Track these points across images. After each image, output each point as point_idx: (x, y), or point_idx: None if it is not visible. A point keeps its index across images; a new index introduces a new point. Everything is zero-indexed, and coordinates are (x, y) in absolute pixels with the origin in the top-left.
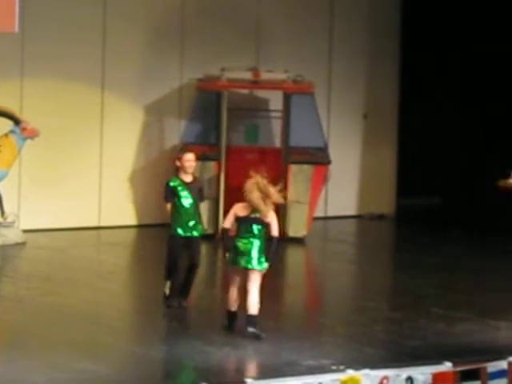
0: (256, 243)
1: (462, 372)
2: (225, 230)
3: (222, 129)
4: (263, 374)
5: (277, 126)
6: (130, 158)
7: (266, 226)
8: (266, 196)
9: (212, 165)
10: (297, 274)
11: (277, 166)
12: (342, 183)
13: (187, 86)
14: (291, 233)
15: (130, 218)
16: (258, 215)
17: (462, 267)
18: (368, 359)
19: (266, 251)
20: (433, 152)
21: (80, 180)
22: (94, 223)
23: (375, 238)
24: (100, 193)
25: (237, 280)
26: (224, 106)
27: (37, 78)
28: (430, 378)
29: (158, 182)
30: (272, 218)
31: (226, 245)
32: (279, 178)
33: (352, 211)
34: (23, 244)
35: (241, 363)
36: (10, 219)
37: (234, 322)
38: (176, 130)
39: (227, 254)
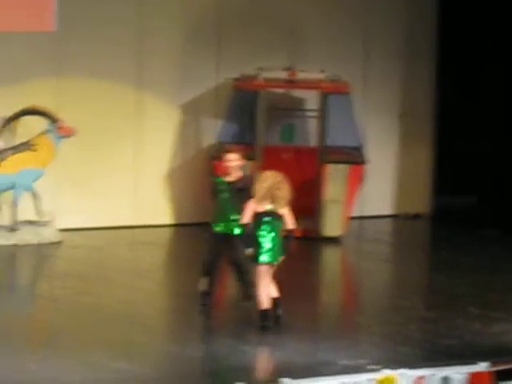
0: (275, 237)
1: (499, 372)
2: (245, 226)
3: (259, 128)
4: (299, 373)
5: (312, 126)
6: (166, 157)
7: (280, 220)
8: (275, 189)
9: (248, 164)
10: (332, 273)
11: (312, 166)
12: (378, 183)
13: (223, 85)
14: (327, 232)
15: (166, 217)
16: (273, 209)
17: (499, 267)
18: (403, 358)
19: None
20: (468, 151)
21: (115, 179)
22: (130, 222)
23: (411, 238)
24: (136, 192)
25: (265, 277)
26: (261, 106)
27: (73, 76)
28: (466, 378)
29: (194, 181)
30: (286, 211)
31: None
32: (314, 177)
33: (388, 211)
34: (59, 243)
35: (276, 362)
36: (45, 218)
37: (268, 320)
38: (212, 130)
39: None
